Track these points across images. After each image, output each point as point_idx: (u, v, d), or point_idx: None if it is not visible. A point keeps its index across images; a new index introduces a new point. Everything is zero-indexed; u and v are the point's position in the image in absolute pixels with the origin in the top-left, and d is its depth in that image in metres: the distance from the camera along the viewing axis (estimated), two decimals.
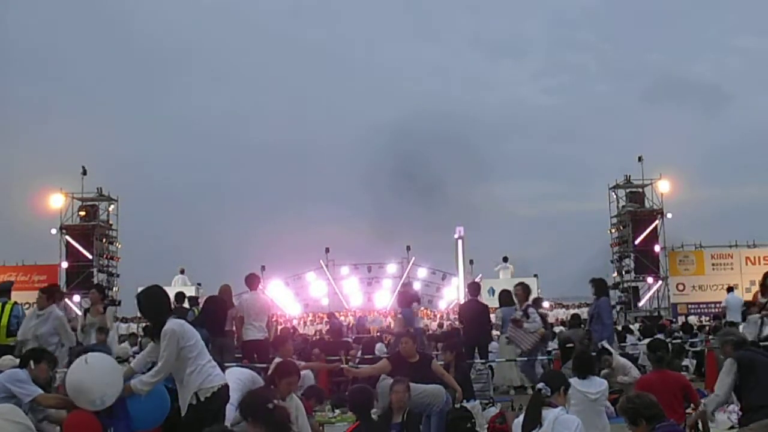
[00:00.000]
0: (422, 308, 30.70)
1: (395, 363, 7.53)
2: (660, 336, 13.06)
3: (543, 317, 10.71)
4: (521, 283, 12.00)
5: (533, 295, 12.17)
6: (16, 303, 9.95)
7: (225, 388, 5.43)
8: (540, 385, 5.13)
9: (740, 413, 6.01)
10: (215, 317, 7.23)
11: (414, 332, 10.02)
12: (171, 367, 5.30)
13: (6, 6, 50.46)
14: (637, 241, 27.13)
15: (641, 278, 27.41)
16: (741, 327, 12.07)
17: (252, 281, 10.97)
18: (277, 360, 7.50)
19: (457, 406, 7.52)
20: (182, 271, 26.68)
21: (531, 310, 10.72)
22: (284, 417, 4.89)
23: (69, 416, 5.48)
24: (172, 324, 5.37)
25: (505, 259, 27.41)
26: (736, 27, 58.17)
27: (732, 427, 6.88)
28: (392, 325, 10.25)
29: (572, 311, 23.68)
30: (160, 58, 51.92)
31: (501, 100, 57.87)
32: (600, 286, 11.49)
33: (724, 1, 54.55)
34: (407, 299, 11.45)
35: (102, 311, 10.51)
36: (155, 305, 5.55)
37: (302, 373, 9.21)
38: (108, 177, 29.80)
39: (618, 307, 27.87)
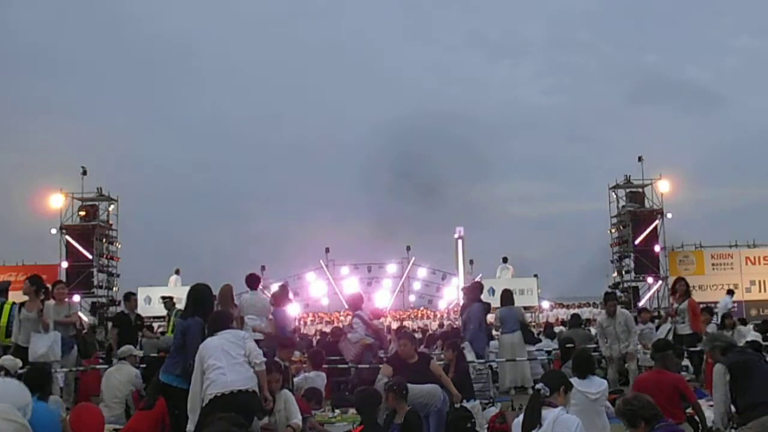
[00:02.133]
0: (422, 308, 30.84)
1: (394, 364, 7.53)
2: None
3: (375, 328, 10.95)
4: (352, 294, 12.23)
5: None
6: (14, 303, 9.92)
7: (230, 396, 5.34)
8: (539, 385, 5.12)
9: (735, 413, 5.98)
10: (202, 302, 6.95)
11: (284, 335, 9.94)
12: (195, 389, 5.43)
13: (6, 5, 50.49)
14: (637, 241, 27.11)
15: (641, 278, 27.40)
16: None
17: (252, 281, 10.96)
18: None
19: (457, 406, 7.52)
20: (177, 272, 26.71)
21: (356, 321, 10.88)
22: None
23: (74, 409, 5.52)
24: (198, 349, 5.56)
25: (505, 260, 27.40)
26: (734, 28, 58.32)
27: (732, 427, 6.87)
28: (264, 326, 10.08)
29: (572, 311, 23.69)
30: (161, 59, 52.00)
31: (500, 101, 58.00)
32: (472, 292, 11.93)
33: (722, 3, 54.58)
34: (282, 300, 11.11)
35: (41, 306, 9.22)
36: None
37: (310, 374, 9.23)
38: (108, 177, 29.86)
39: (619, 308, 27.82)
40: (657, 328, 13.22)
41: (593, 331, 17.48)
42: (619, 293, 28.01)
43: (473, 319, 11.42)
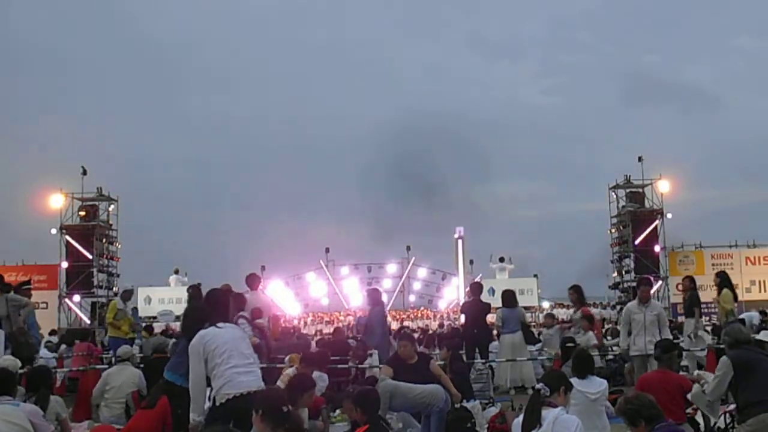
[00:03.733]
0: (422, 308, 30.86)
1: (395, 365, 7.54)
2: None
3: (260, 327, 11.01)
4: (234, 296, 12.10)
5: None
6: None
7: (246, 396, 5.30)
8: (539, 386, 5.12)
9: (736, 411, 5.99)
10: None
11: None
12: (198, 376, 5.45)
13: (8, 5, 50.51)
14: (637, 241, 27.12)
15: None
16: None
17: (252, 281, 10.98)
18: (290, 371, 7.53)
19: (457, 406, 7.53)
20: (176, 271, 26.74)
21: (241, 321, 10.90)
22: (298, 424, 4.79)
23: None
24: (196, 337, 5.49)
25: (502, 260, 27.45)
26: (734, 28, 58.27)
27: (732, 427, 6.88)
28: None
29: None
30: (161, 59, 52.01)
31: (500, 101, 57.99)
32: (372, 296, 11.98)
33: (722, 3, 54.61)
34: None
35: None
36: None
37: (313, 375, 9.23)
38: (108, 177, 29.90)
39: (618, 308, 27.90)
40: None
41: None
42: (619, 293, 28.07)
43: (374, 323, 11.42)
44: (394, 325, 25.95)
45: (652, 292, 11.14)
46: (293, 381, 6.38)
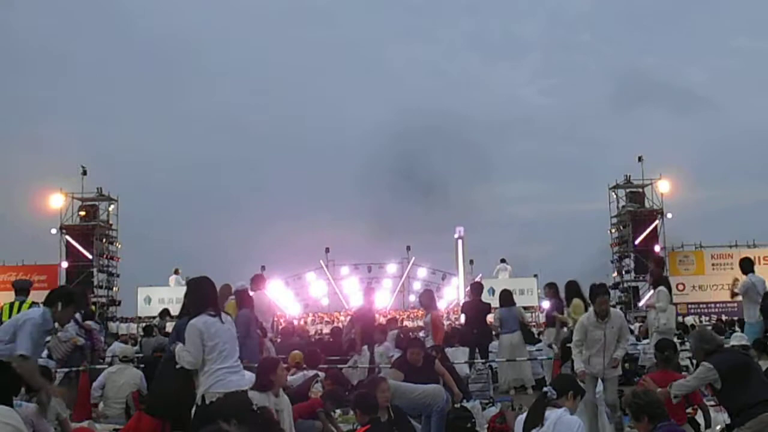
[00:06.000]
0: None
1: (404, 369, 7.64)
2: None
3: (88, 328, 10.84)
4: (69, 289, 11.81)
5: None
6: (34, 303, 9.90)
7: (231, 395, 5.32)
8: (546, 388, 5.14)
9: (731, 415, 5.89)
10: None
11: None
12: (196, 357, 5.35)
13: (9, 6, 50.48)
14: (637, 241, 27.13)
15: (641, 278, 27.39)
16: None
17: (257, 282, 10.97)
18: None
19: (457, 406, 7.58)
20: (176, 272, 26.68)
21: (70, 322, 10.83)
22: (271, 418, 4.85)
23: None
24: (196, 321, 5.41)
25: (503, 260, 27.44)
26: (732, 28, 58.21)
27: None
28: None
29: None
30: (161, 58, 51.94)
31: (500, 101, 57.89)
32: (239, 297, 11.50)
33: (720, 4, 54.63)
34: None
35: None
36: (196, 296, 5.63)
37: (309, 374, 9.24)
38: (108, 177, 29.86)
39: (618, 307, 27.88)
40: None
41: None
42: (619, 293, 28.04)
43: (250, 326, 11.28)
44: None
45: (649, 295, 10.09)
46: (260, 367, 6.42)
